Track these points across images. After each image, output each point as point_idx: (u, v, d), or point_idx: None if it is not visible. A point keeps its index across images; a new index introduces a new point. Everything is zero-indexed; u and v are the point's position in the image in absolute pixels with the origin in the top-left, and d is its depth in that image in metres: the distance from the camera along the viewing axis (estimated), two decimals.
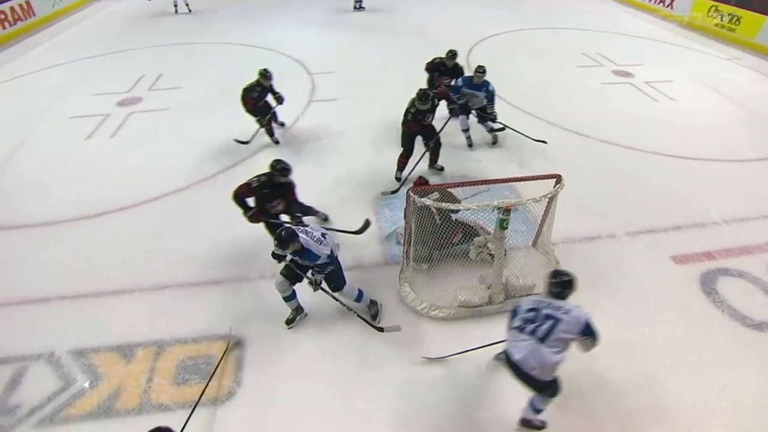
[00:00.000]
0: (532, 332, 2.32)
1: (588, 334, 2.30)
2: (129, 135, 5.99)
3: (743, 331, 3.37)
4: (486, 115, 5.41)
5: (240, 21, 10.87)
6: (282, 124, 6.04)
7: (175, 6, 11.56)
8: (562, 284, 2.42)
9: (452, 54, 5.63)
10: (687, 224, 4.38)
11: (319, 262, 2.94)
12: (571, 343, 2.32)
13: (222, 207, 4.05)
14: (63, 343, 3.24)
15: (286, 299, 3.22)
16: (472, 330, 3.30)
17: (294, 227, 2.91)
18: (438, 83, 5.66)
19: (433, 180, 4.55)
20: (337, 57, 8.58)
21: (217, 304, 3.55)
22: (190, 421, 2.50)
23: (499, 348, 2.85)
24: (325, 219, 4.30)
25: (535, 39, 9.70)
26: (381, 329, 3.25)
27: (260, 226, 3.71)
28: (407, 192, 3.26)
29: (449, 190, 3.76)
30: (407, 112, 4.65)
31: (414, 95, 4.58)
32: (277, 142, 5.66)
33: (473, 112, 5.46)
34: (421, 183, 3.70)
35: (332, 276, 3.15)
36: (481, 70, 5.17)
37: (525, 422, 2.65)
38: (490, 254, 3.60)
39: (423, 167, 4.97)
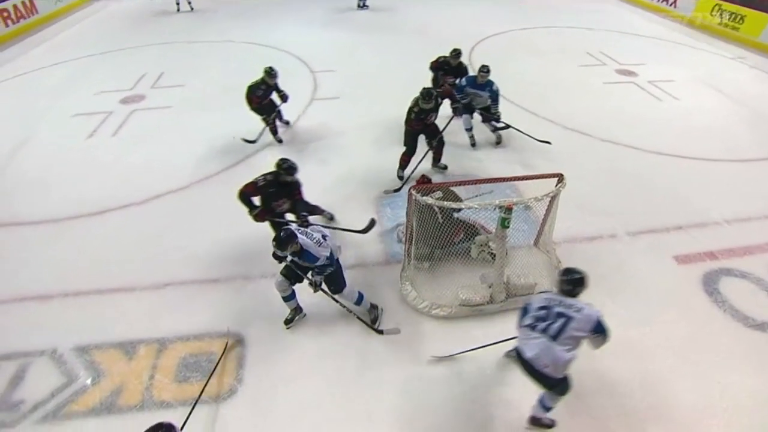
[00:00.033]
0: (544, 330, 2.33)
1: (599, 331, 2.31)
2: (131, 133, 6.00)
3: (745, 331, 3.37)
4: (490, 115, 5.40)
5: (242, 20, 10.87)
6: (287, 123, 6.05)
7: (177, 4, 11.56)
8: (573, 282, 2.42)
9: (456, 53, 5.62)
10: (689, 224, 4.37)
11: (318, 263, 2.94)
12: (582, 340, 2.32)
13: (224, 205, 4.07)
14: (65, 339, 3.25)
15: (285, 299, 3.23)
16: (473, 329, 3.30)
17: (294, 228, 2.91)
18: (442, 82, 5.65)
19: (436, 179, 4.55)
20: (338, 56, 8.57)
21: (218, 302, 3.56)
22: (191, 418, 2.51)
23: (509, 345, 2.86)
24: (331, 218, 4.31)
25: (536, 38, 9.67)
26: (381, 332, 3.26)
27: (263, 225, 3.72)
28: (409, 190, 3.26)
29: (452, 188, 3.76)
30: (410, 110, 4.65)
31: (416, 94, 4.58)
32: (280, 141, 5.66)
33: (477, 111, 5.45)
34: (424, 181, 3.70)
35: (332, 278, 3.15)
36: (485, 69, 5.15)
37: (534, 420, 2.65)
38: (492, 253, 3.60)
39: (425, 165, 4.96)
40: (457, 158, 5.31)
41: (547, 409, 2.58)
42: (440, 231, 3.46)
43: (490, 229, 3.73)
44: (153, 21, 11.03)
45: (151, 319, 3.40)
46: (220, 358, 3.07)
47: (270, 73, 5.25)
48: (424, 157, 4.87)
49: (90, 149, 5.64)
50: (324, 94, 7.06)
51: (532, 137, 5.48)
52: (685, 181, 5.03)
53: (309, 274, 3.08)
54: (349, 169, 5.14)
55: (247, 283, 3.72)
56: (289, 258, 3.00)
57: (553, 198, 3.43)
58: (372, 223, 3.77)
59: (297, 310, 3.35)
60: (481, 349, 3.03)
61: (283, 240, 2.78)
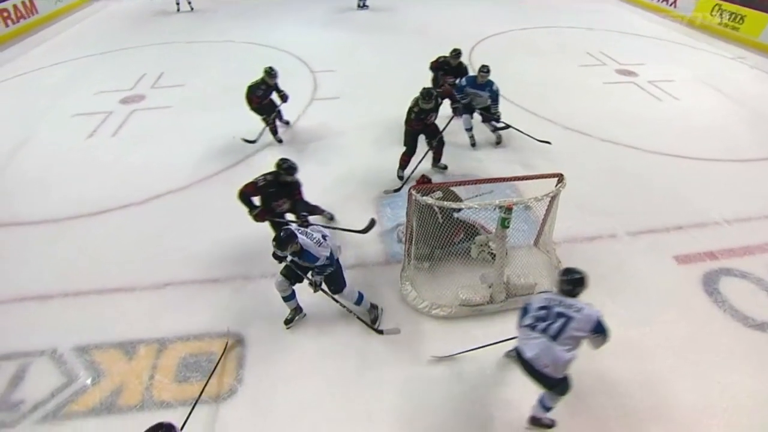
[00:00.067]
0: (544, 330, 2.33)
1: (599, 331, 2.31)
2: (131, 133, 6.00)
3: (745, 331, 3.37)
4: (490, 115, 5.40)
5: (242, 20, 10.87)
6: (287, 123, 6.05)
7: (177, 4, 11.56)
8: (573, 282, 2.42)
9: (456, 53, 5.62)
10: (689, 224, 4.37)
11: (318, 263, 2.94)
12: (582, 340, 2.32)
13: (224, 205, 4.07)
14: (65, 339, 3.26)
15: (285, 299, 3.23)
16: (473, 329, 3.30)
17: (294, 228, 2.91)
18: (442, 82, 5.65)
19: (436, 179, 4.55)
20: (338, 56, 8.57)
21: (218, 302, 3.56)
22: (191, 418, 2.51)
23: (509, 345, 2.86)
24: (331, 218, 4.31)
25: (536, 38, 9.67)
26: (381, 332, 3.26)
27: (263, 225, 3.72)
28: (409, 190, 3.26)
29: (452, 188, 3.76)
30: (410, 110, 4.65)
31: (416, 94, 4.58)
32: (280, 141, 5.66)
33: (477, 111, 5.45)
34: (424, 181, 3.70)
35: (332, 278, 3.15)
36: (485, 69, 5.15)
37: (534, 420, 2.66)
38: (492, 253, 3.60)
39: (425, 165, 4.96)
40: (457, 158, 5.31)
41: (547, 409, 2.58)
42: (440, 231, 3.46)
43: (490, 229, 3.73)
44: (153, 21, 11.03)
45: (151, 319, 3.41)
46: (220, 358, 3.07)
47: (270, 73, 5.25)
48: (424, 157, 4.87)
49: (90, 149, 5.64)
50: (324, 94, 7.06)
51: (532, 137, 5.48)
52: (685, 181, 5.03)
53: (309, 274, 3.08)
54: (349, 169, 5.14)
55: (247, 283, 3.72)
56: (289, 258, 3.00)
57: (553, 198, 3.43)
58: (372, 223, 3.77)
59: (297, 310, 3.35)
60: (481, 349, 3.03)
61: (283, 240, 2.78)
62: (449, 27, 10.11)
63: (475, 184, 3.61)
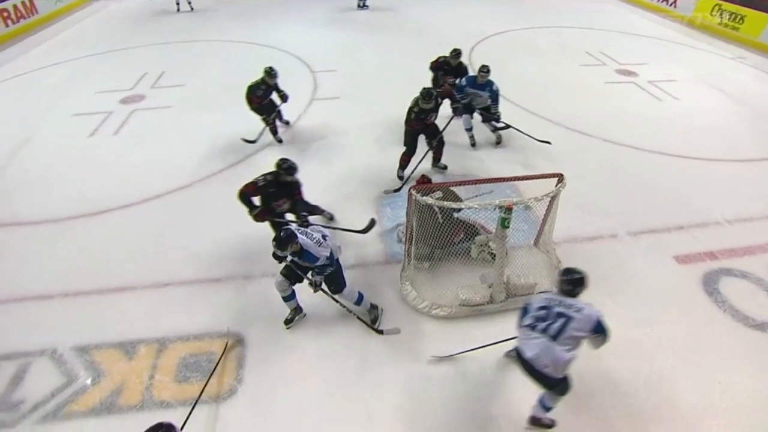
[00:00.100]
0: (544, 330, 2.33)
1: (599, 331, 2.31)
2: (132, 132, 6.00)
3: (745, 331, 3.36)
4: (490, 115, 5.40)
5: (242, 20, 10.87)
6: (287, 123, 6.05)
7: (177, 4, 11.57)
8: (573, 282, 2.42)
9: (456, 53, 5.61)
10: (690, 224, 4.37)
11: (318, 263, 2.94)
12: (582, 340, 2.32)
13: (225, 205, 4.07)
14: (65, 339, 3.25)
15: (285, 299, 3.23)
16: (473, 329, 3.30)
17: (294, 228, 2.91)
18: (442, 82, 5.65)
19: (436, 179, 4.54)
20: (338, 56, 8.57)
21: (219, 302, 3.55)
22: (191, 418, 2.51)
23: (509, 345, 2.86)
24: (331, 218, 4.31)
25: (536, 38, 9.67)
26: (381, 332, 3.26)
27: (264, 225, 3.71)
28: (409, 190, 3.26)
29: (452, 188, 3.76)
30: (410, 110, 4.65)
31: (416, 94, 4.58)
32: (280, 141, 5.66)
33: (477, 111, 5.45)
34: (424, 181, 3.70)
35: (332, 278, 3.15)
36: (485, 69, 5.14)
37: (534, 420, 2.65)
38: (492, 253, 3.60)
39: (425, 165, 4.96)
40: (457, 158, 5.31)
41: (547, 409, 2.58)
42: (440, 231, 3.45)
43: (490, 229, 3.73)
44: (153, 21, 11.04)
45: (151, 319, 3.40)
46: (220, 358, 3.07)
47: (270, 73, 5.25)
48: (424, 157, 4.87)
49: (91, 148, 5.64)
50: (324, 94, 7.05)
51: (532, 137, 5.48)
52: (686, 181, 5.03)
53: (309, 274, 3.07)
54: (349, 169, 5.14)
55: (247, 282, 3.72)
56: (289, 258, 3.00)
57: (553, 198, 3.43)
58: (372, 223, 3.77)
59: (297, 310, 3.35)
60: (481, 349, 3.03)
61: (283, 240, 2.78)
62: (449, 27, 10.12)
63: (475, 184, 3.61)
